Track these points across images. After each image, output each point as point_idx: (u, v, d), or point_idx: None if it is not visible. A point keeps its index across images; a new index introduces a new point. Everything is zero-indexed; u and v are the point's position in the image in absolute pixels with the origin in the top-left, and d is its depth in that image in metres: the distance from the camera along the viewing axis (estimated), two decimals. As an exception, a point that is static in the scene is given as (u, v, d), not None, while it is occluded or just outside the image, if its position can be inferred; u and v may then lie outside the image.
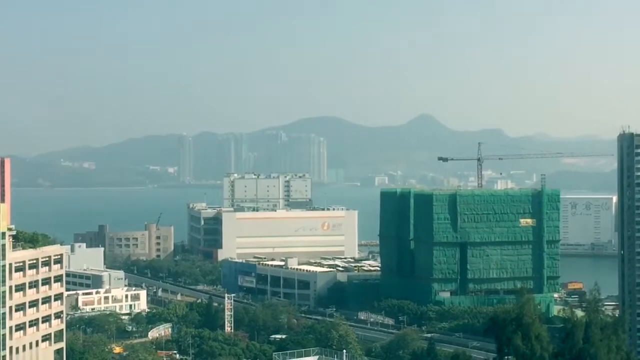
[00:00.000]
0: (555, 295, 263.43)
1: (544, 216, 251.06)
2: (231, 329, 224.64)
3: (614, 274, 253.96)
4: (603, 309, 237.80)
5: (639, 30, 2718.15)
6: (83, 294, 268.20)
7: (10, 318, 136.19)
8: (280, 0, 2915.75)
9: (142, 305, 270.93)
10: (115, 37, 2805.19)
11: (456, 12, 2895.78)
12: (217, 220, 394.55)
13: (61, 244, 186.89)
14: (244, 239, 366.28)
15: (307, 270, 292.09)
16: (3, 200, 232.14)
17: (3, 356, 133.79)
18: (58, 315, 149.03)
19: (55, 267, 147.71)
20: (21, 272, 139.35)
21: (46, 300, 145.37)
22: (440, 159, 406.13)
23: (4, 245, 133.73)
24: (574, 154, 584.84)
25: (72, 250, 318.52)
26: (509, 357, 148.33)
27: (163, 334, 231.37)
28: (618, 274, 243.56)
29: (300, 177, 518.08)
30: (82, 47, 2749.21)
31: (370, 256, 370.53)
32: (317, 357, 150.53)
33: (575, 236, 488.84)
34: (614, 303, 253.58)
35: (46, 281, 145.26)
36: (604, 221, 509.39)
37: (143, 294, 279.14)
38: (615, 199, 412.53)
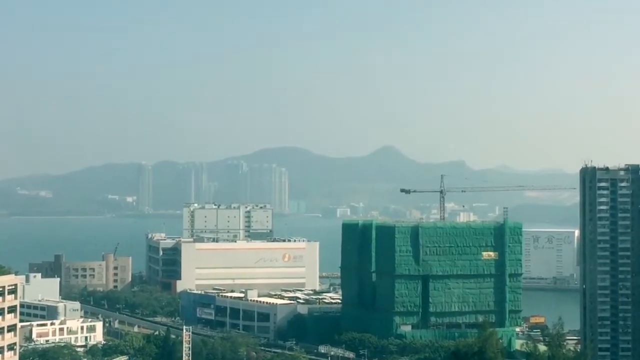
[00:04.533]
0: (517, 329, 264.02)
1: (506, 249, 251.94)
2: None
3: (576, 308, 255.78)
4: (565, 343, 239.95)
5: (606, 64, 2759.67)
6: (37, 325, 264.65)
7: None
8: (241, 28, 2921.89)
9: (98, 337, 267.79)
10: (74, 62, 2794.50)
11: (419, 44, 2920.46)
12: (176, 250, 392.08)
13: (16, 274, 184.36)
14: (204, 270, 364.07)
15: (267, 303, 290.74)
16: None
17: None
18: (11, 347, 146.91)
19: (9, 297, 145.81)
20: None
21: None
22: (402, 190, 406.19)
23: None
24: (536, 187, 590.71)
25: (27, 280, 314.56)
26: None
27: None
28: (580, 308, 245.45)
29: (261, 207, 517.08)
30: (38, 73, 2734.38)
31: (332, 288, 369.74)
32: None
33: (537, 270, 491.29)
34: (575, 338, 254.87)
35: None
36: (566, 255, 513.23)
37: (99, 325, 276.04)
38: (577, 232, 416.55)
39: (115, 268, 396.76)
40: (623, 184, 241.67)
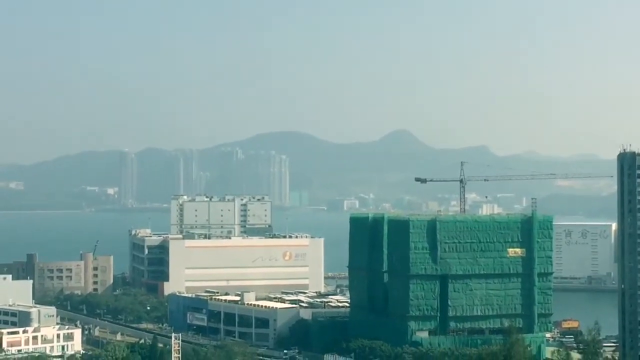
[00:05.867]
0: (548, 335, 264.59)
1: (534, 245, 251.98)
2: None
3: (614, 311, 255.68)
4: (602, 350, 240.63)
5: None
6: (8, 333, 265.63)
7: None
8: (238, 6, 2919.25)
9: (76, 346, 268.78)
10: (47, 39, 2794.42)
11: (440, 20, 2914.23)
12: (163, 248, 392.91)
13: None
14: (194, 270, 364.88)
15: (265, 307, 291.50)
16: None
17: None
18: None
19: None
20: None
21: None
22: (417, 180, 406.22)
23: None
24: (569, 175, 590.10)
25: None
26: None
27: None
28: (618, 311, 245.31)
29: (258, 199, 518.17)
30: (6, 50, 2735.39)
31: (338, 290, 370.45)
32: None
33: (570, 268, 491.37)
34: (613, 344, 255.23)
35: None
36: (602, 251, 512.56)
37: (77, 333, 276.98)
38: (614, 226, 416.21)
39: (95, 269, 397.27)
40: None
